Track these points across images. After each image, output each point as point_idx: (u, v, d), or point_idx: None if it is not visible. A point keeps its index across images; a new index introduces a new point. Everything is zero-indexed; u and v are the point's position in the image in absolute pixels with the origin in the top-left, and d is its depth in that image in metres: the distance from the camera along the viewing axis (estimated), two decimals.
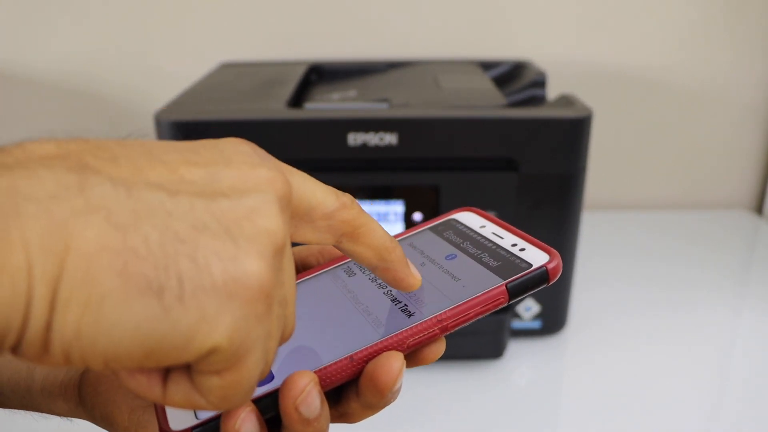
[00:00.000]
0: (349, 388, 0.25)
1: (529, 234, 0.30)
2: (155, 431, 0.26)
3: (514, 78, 0.86)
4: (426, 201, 0.63)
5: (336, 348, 0.25)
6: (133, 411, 0.27)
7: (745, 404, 0.62)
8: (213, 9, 0.96)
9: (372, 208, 0.64)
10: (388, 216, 0.64)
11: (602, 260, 0.89)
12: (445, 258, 0.29)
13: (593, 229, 0.91)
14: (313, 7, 0.96)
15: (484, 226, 0.31)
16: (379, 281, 0.28)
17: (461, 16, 0.97)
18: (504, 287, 0.26)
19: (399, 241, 0.31)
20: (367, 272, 0.29)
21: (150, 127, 0.63)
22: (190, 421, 0.24)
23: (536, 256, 0.28)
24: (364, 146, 0.60)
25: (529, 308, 0.69)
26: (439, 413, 0.61)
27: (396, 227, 0.64)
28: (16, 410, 0.32)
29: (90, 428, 0.31)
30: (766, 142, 1.05)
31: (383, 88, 0.76)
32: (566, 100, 0.66)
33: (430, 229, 0.32)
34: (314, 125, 0.60)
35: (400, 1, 0.96)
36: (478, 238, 0.30)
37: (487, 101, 0.67)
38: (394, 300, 0.27)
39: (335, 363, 0.24)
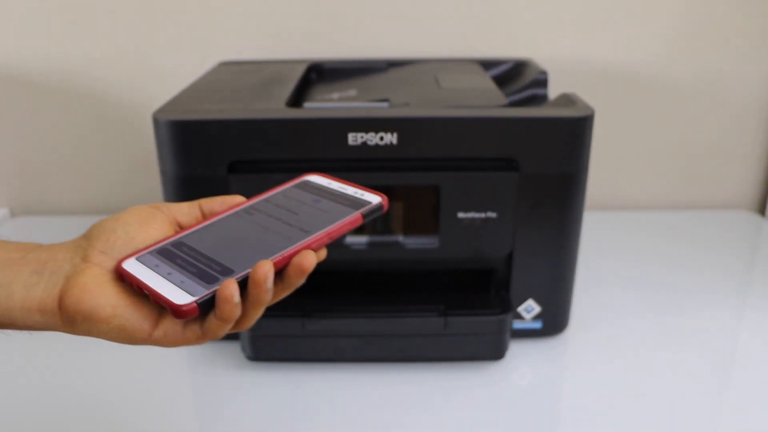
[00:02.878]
0: (275, 278, 0.39)
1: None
2: (134, 320, 0.38)
3: (516, 77, 0.85)
4: (426, 201, 0.63)
5: (273, 251, 0.40)
6: (115, 309, 0.37)
7: (747, 405, 0.62)
8: (212, 8, 0.95)
9: None
10: (388, 215, 0.64)
11: (604, 261, 0.89)
12: (313, 202, 0.45)
13: (594, 230, 0.91)
14: (312, 6, 0.96)
15: (330, 183, 0.47)
16: (276, 215, 0.44)
17: (462, 15, 0.96)
18: (360, 214, 0.43)
19: (278, 193, 0.46)
20: (266, 210, 0.44)
21: (149, 126, 0.62)
22: (190, 297, 0.37)
23: (373, 198, 0.45)
24: (364, 146, 0.60)
25: (530, 309, 0.68)
26: (440, 414, 0.61)
27: (396, 227, 0.64)
28: None
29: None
30: None
31: (383, 88, 0.76)
32: (567, 100, 0.66)
33: (295, 186, 0.47)
34: (314, 125, 0.60)
35: (401, 0, 0.95)
36: (330, 189, 0.46)
37: (487, 101, 0.66)
38: (293, 225, 0.42)
39: (277, 257, 0.39)
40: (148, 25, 0.96)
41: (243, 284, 0.38)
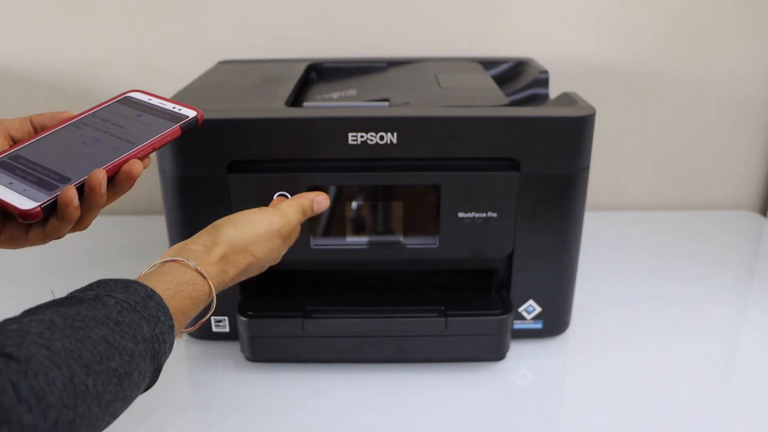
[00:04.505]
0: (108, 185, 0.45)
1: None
2: None
3: (516, 76, 0.85)
4: (426, 201, 0.62)
5: (104, 160, 0.45)
6: None
7: (748, 409, 0.62)
8: (212, 8, 0.95)
9: (372, 208, 0.63)
10: (388, 215, 0.64)
11: (605, 261, 0.88)
12: (136, 116, 0.50)
13: (595, 230, 0.91)
14: (312, 6, 0.95)
15: (151, 99, 0.52)
16: (104, 129, 0.48)
17: (463, 15, 0.96)
18: (178, 127, 0.49)
19: (103, 109, 0.51)
20: (94, 124, 0.49)
21: None
22: (34, 203, 0.41)
23: (190, 112, 0.51)
24: (364, 146, 0.60)
25: (531, 309, 0.68)
26: (440, 414, 0.61)
27: (396, 227, 0.64)
28: None
29: None
30: None
31: (383, 88, 0.75)
32: (568, 99, 0.65)
33: (118, 102, 0.52)
34: (314, 125, 0.59)
35: (401, 0, 0.95)
36: (151, 105, 0.51)
37: (488, 100, 0.66)
38: (120, 138, 0.47)
39: (108, 165, 0.45)
40: (148, 24, 0.96)
41: (80, 190, 0.43)
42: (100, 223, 1.01)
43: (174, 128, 0.49)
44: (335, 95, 0.73)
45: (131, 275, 0.44)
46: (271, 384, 0.65)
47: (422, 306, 0.65)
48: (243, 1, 0.95)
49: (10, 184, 0.43)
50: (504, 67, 0.88)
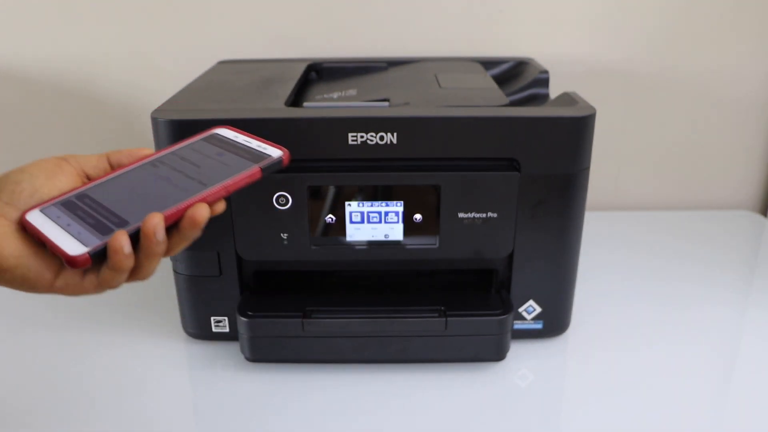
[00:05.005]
0: (170, 230, 0.41)
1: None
2: (36, 270, 0.39)
3: (516, 76, 0.85)
4: (426, 201, 0.62)
5: (166, 204, 0.41)
6: (18, 259, 0.39)
7: (748, 410, 0.62)
8: (212, 7, 0.95)
9: (372, 208, 0.63)
10: (388, 216, 0.63)
11: (605, 261, 0.88)
12: (216, 155, 0.47)
13: (595, 230, 0.91)
14: (312, 6, 0.95)
15: (237, 137, 0.49)
16: (179, 168, 0.45)
17: (463, 14, 0.96)
18: (259, 168, 0.45)
19: (184, 147, 0.48)
20: (168, 163, 0.46)
21: (147, 125, 0.62)
22: (84, 248, 0.38)
23: (274, 152, 0.47)
24: (364, 146, 0.60)
25: (531, 310, 0.68)
26: (440, 415, 0.61)
27: (396, 227, 0.64)
28: None
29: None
30: None
31: (383, 88, 0.75)
32: (568, 99, 0.65)
33: (202, 139, 0.49)
34: (314, 124, 0.59)
35: (401, 0, 0.95)
36: (235, 143, 0.48)
37: (488, 100, 0.66)
38: (193, 178, 0.44)
39: (170, 210, 0.41)
40: (148, 24, 0.96)
41: (138, 236, 0.40)
42: None
43: (252, 169, 0.44)
44: (335, 95, 0.73)
45: None
46: (271, 384, 0.65)
47: (422, 306, 0.65)
48: (243, 1, 0.95)
49: (68, 225, 0.40)
50: (504, 67, 0.88)
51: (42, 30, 0.96)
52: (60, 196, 0.42)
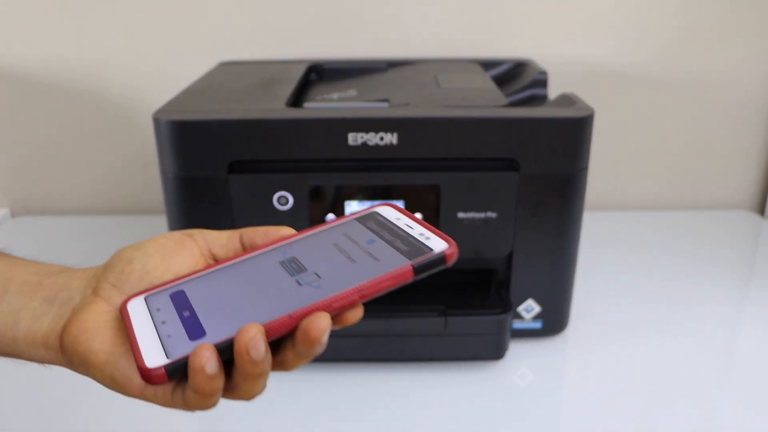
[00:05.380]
0: (286, 341, 0.32)
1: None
2: (126, 372, 0.32)
3: (515, 77, 0.85)
4: (426, 201, 0.63)
5: (278, 308, 0.31)
6: (108, 356, 0.32)
7: (747, 407, 0.62)
8: (212, 8, 0.95)
9: None
10: None
11: (604, 261, 0.88)
12: (367, 242, 0.36)
13: (594, 230, 0.91)
14: (312, 6, 0.96)
15: (399, 219, 0.37)
16: (316, 258, 0.35)
17: (462, 15, 0.96)
18: (410, 266, 0.33)
19: (331, 228, 0.38)
20: (298, 252, 0.36)
21: (149, 126, 0.62)
22: (163, 359, 0.30)
23: (438, 244, 0.34)
24: (364, 146, 0.60)
25: (530, 309, 0.68)
26: (440, 414, 0.61)
27: None
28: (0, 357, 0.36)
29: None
30: None
31: (383, 88, 0.76)
32: (567, 100, 0.66)
33: (357, 219, 0.38)
34: (314, 125, 0.60)
35: (401, 0, 0.95)
36: (394, 227, 0.37)
37: (487, 101, 0.66)
38: (321, 276, 0.34)
39: (277, 319, 0.31)
40: (149, 25, 0.96)
41: (229, 347, 0.30)
42: (100, 223, 1.02)
43: (402, 268, 0.33)
44: (335, 96, 0.73)
45: None
46: (271, 384, 0.65)
47: (422, 306, 0.65)
48: (243, 2, 0.95)
49: (163, 323, 0.32)
50: (503, 67, 0.88)
51: (42, 30, 0.96)
52: (171, 282, 0.35)
